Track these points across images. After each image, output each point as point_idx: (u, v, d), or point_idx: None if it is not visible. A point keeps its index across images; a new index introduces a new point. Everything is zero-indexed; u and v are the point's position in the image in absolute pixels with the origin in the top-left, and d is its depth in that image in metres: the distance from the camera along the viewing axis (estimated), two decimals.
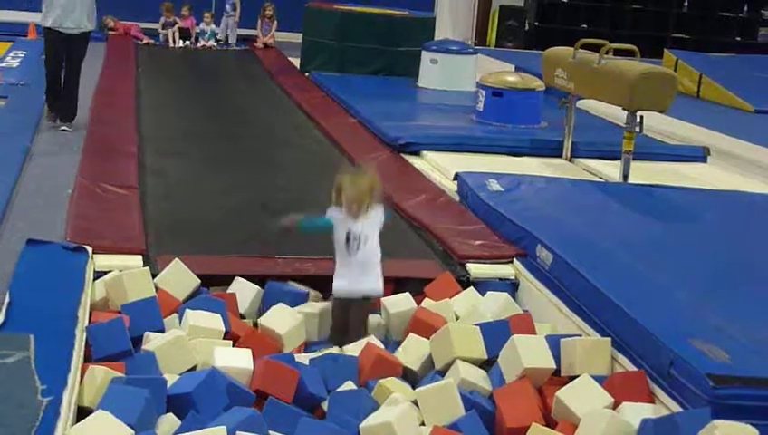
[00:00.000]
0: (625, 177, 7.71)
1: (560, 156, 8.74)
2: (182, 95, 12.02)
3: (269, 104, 11.69)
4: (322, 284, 5.38)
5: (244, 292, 5.34)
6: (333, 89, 11.78)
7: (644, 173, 7.99)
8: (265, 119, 10.74)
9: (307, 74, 13.43)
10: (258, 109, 11.37)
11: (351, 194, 4.91)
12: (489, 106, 9.81)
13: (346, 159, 8.65)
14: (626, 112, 7.72)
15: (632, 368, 4.51)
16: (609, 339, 4.69)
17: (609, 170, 8.12)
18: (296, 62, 14.34)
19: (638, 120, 7.63)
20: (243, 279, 5.41)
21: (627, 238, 5.98)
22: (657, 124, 9.25)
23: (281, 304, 5.08)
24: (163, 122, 9.92)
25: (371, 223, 5.01)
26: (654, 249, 5.82)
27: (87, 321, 4.67)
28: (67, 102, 8.77)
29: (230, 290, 5.38)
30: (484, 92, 9.91)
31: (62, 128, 8.60)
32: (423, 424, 4.24)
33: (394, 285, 5.68)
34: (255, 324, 5.21)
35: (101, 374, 4.08)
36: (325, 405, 4.42)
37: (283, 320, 4.95)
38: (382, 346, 4.88)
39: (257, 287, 5.35)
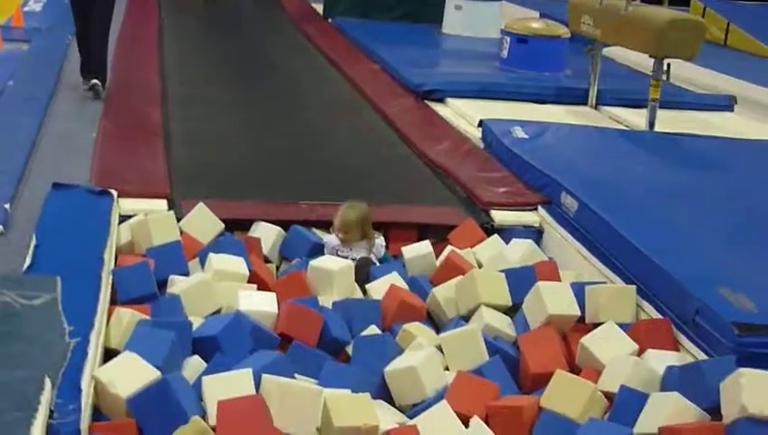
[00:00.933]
0: (651, 125, 7.64)
1: (585, 104, 8.66)
2: (205, 42, 11.98)
3: (292, 51, 11.63)
4: None
5: (267, 234, 5.35)
6: (356, 35, 11.70)
7: (670, 122, 7.91)
8: (288, 65, 10.69)
9: (330, 21, 13.34)
10: (281, 55, 11.32)
11: (339, 223, 5.20)
12: (514, 53, 9.73)
13: (368, 105, 8.64)
14: (652, 60, 7.63)
15: (657, 316, 4.51)
16: (633, 286, 4.68)
17: (635, 119, 8.06)
18: (319, 8, 14.24)
19: (665, 67, 7.55)
20: (263, 222, 5.41)
21: (652, 186, 5.95)
22: (684, 72, 9.14)
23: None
24: (186, 68, 9.90)
25: (361, 251, 5.19)
26: (680, 198, 5.78)
27: (113, 264, 4.69)
28: (95, 66, 7.80)
29: (251, 232, 5.39)
30: (508, 39, 9.82)
31: (93, 82, 7.66)
32: (447, 369, 4.25)
33: (417, 231, 5.69)
34: (278, 267, 5.24)
35: (128, 316, 4.10)
36: (349, 349, 4.44)
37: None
38: (407, 287, 4.88)
39: (277, 229, 5.37)
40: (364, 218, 5.22)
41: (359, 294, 4.89)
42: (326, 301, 4.65)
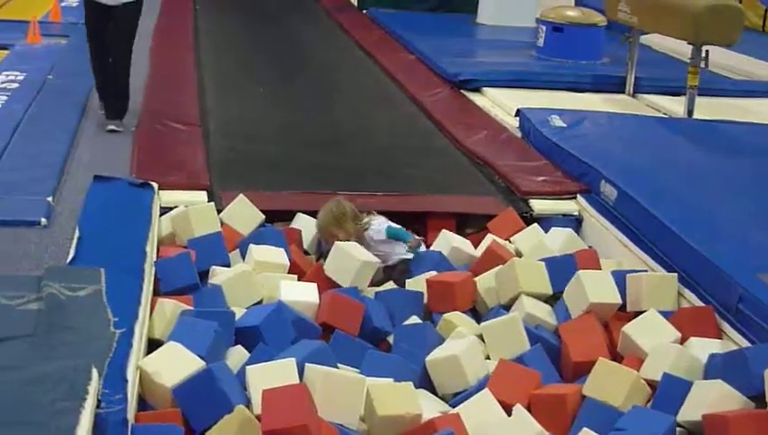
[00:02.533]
0: (690, 112, 7.59)
1: (622, 92, 8.61)
2: (239, 33, 12.00)
3: (327, 41, 11.65)
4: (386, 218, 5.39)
5: (307, 227, 5.37)
6: (391, 25, 11.69)
7: (709, 109, 7.85)
8: (323, 56, 10.71)
9: (364, 11, 13.33)
10: (316, 46, 11.34)
11: (318, 224, 5.13)
12: (550, 42, 9.68)
13: (404, 96, 8.64)
14: (691, 47, 7.58)
15: (699, 304, 4.49)
16: (675, 275, 4.66)
17: (673, 106, 8.00)
18: None
19: (704, 54, 7.49)
20: (304, 215, 5.43)
21: (692, 174, 5.92)
22: (722, 59, 9.08)
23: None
24: (222, 60, 9.94)
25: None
26: (720, 185, 5.75)
27: (155, 255, 4.73)
28: (113, 95, 6.65)
29: (293, 225, 5.42)
30: (544, 28, 9.78)
31: (109, 127, 6.50)
32: (488, 358, 4.26)
33: (456, 221, 5.70)
34: (318, 259, 5.26)
35: (171, 307, 4.13)
36: (390, 339, 4.45)
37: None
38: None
39: None
40: (333, 219, 5.02)
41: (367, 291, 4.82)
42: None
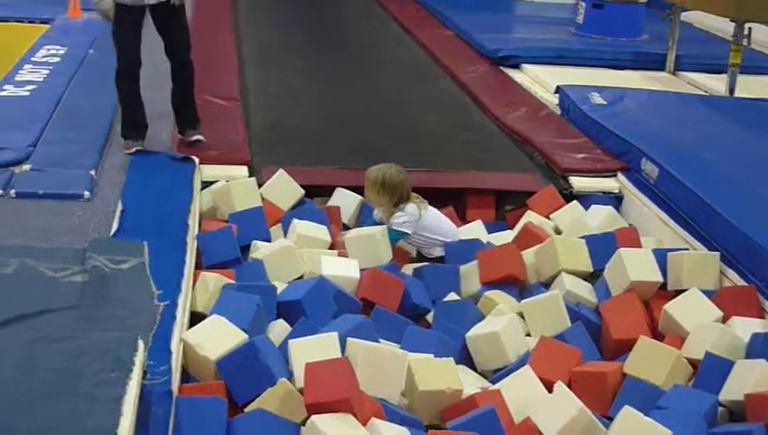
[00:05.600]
0: (731, 90, 7.53)
1: (662, 69, 8.56)
2: (278, 8, 11.98)
3: (365, 17, 11.62)
4: (424, 196, 5.39)
5: (346, 202, 5.38)
6: (429, 1, 11.64)
7: (750, 87, 7.78)
8: (362, 31, 10.70)
9: None
10: (354, 21, 11.33)
11: (368, 174, 5.03)
12: (589, 18, 9.61)
13: (443, 71, 8.61)
14: (733, 24, 7.51)
15: (741, 283, 4.46)
16: (717, 253, 4.63)
17: (715, 84, 7.93)
18: None
19: (746, 32, 7.42)
20: (344, 189, 5.45)
21: (734, 152, 5.87)
22: (765, 37, 8.97)
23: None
24: (260, 35, 9.94)
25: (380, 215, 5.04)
26: (762, 163, 5.70)
27: (197, 229, 4.76)
28: (182, 107, 5.85)
29: (332, 200, 5.43)
30: (584, 4, 9.70)
31: (195, 138, 5.80)
32: (528, 335, 4.26)
33: (496, 198, 5.69)
34: None
35: (213, 281, 4.16)
36: (429, 316, 4.46)
37: None
38: None
39: (359, 197, 5.38)
40: (380, 183, 4.94)
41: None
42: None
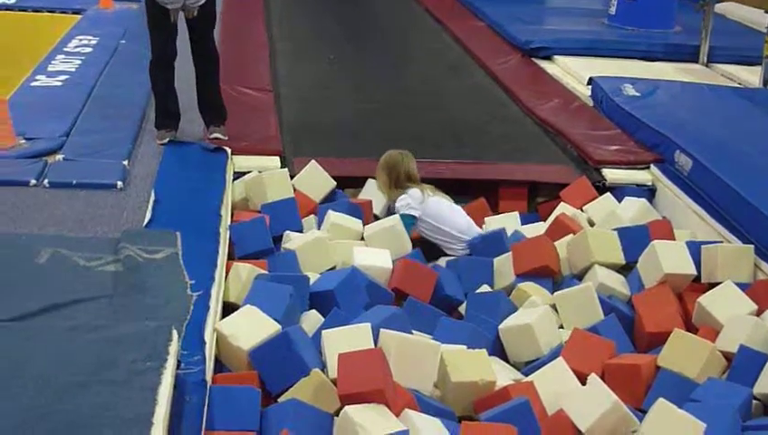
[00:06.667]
0: (765, 82, 7.46)
1: (696, 61, 8.49)
2: (311, 0, 12.00)
3: (397, 8, 11.60)
4: (457, 187, 5.38)
5: (377, 193, 5.38)
6: None
7: None
8: (393, 23, 10.69)
9: None
10: (386, 13, 11.30)
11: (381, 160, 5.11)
12: (622, 10, 9.54)
13: (475, 63, 8.59)
14: (767, 16, 7.44)
15: None
16: (752, 246, 4.60)
17: (748, 76, 7.87)
18: None
19: None
20: (375, 181, 5.44)
21: None
22: None
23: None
24: (292, 26, 9.95)
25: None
26: None
27: (229, 219, 4.77)
28: (207, 102, 5.78)
29: (363, 191, 5.43)
30: None
31: (214, 135, 5.68)
32: (561, 327, 4.24)
33: (528, 189, 5.67)
34: None
35: (246, 271, 4.17)
36: (461, 308, 4.45)
37: None
38: None
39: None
40: (389, 166, 5.05)
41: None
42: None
